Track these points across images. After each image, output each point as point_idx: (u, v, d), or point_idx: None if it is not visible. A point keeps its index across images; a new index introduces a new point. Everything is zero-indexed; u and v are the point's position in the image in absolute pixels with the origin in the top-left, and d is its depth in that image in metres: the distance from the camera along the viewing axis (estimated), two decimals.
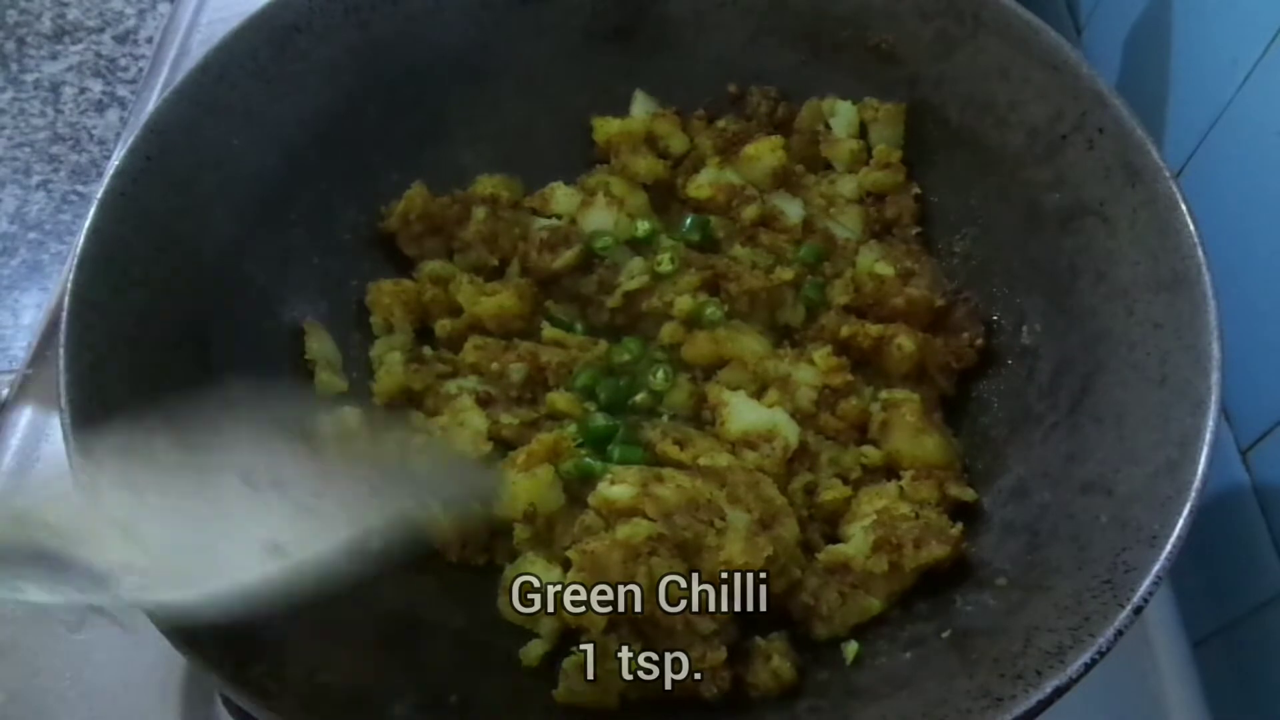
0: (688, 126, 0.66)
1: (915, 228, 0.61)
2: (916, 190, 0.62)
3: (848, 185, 0.63)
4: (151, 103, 0.55)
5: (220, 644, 0.41)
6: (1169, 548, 0.41)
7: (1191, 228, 0.48)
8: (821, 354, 0.56)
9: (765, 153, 0.62)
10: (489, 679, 0.48)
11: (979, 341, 0.57)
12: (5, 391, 0.67)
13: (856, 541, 0.50)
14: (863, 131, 0.63)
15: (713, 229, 0.61)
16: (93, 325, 0.47)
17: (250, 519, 0.40)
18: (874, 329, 0.56)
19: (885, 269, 0.58)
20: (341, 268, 0.61)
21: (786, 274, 0.58)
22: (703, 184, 0.62)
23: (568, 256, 0.59)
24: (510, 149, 0.65)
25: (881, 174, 0.62)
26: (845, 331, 0.56)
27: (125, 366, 0.48)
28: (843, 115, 0.63)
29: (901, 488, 0.52)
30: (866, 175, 0.62)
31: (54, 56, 1.14)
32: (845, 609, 0.49)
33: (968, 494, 0.52)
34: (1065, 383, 0.52)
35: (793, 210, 0.62)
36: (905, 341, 0.56)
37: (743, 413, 0.54)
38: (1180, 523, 0.41)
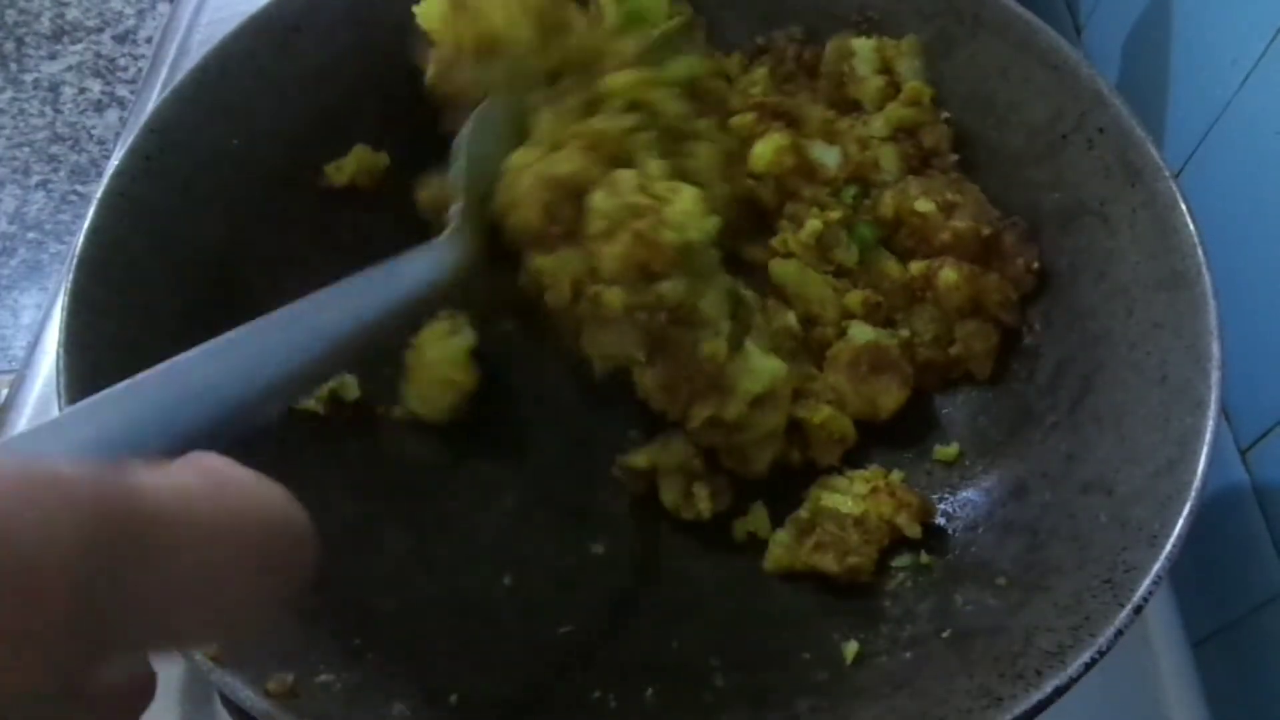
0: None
1: (953, 155, 0.60)
2: (946, 115, 0.60)
3: (878, 124, 0.61)
4: (151, 103, 0.55)
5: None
6: (1169, 547, 0.41)
7: (1191, 227, 0.48)
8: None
9: (769, 152, 0.60)
10: (489, 679, 0.48)
11: (1035, 265, 0.55)
12: (5, 391, 0.67)
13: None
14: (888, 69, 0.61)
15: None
16: (92, 326, 0.47)
17: None
18: (917, 266, 0.56)
19: (925, 205, 0.57)
20: (340, 268, 0.60)
21: (834, 214, 0.57)
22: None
23: None
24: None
25: (908, 110, 0.60)
26: (891, 270, 0.56)
27: (125, 367, 0.48)
28: (862, 53, 0.61)
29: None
30: (894, 111, 0.60)
31: (53, 56, 1.14)
32: None
33: None
34: (1065, 382, 0.52)
35: (830, 159, 0.60)
36: (949, 273, 0.55)
37: None
38: (1180, 522, 0.41)
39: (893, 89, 0.62)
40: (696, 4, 0.64)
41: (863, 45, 0.61)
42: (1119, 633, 0.40)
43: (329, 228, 0.60)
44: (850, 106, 0.63)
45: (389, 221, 0.62)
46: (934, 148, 0.60)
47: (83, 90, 1.12)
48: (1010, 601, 0.46)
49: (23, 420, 0.65)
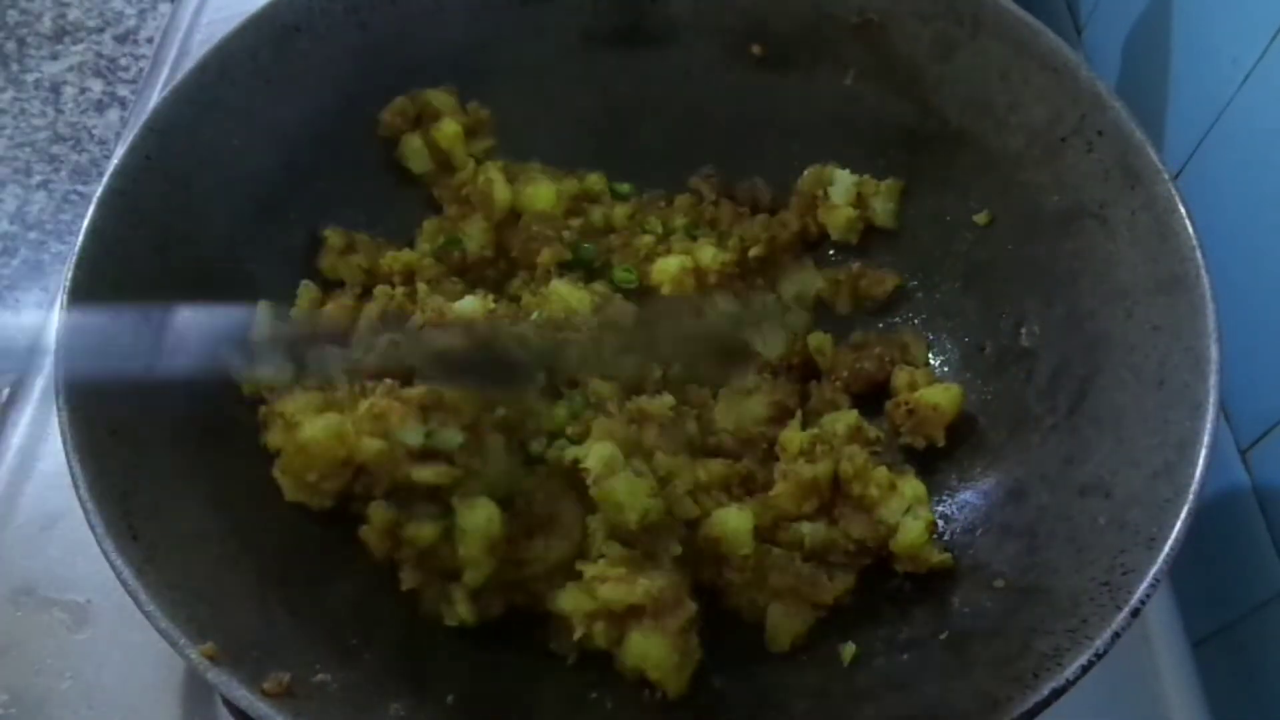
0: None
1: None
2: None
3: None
4: (152, 102, 0.55)
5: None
6: (1166, 550, 0.41)
7: (1190, 230, 0.48)
8: None
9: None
10: (486, 679, 0.48)
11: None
12: (5, 391, 0.67)
13: None
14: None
15: None
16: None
17: None
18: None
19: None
20: None
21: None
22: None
23: None
24: (509, 149, 0.65)
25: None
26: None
27: None
28: (841, 183, 0.63)
29: None
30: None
31: (54, 56, 1.14)
32: None
33: None
34: (1064, 385, 0.52)
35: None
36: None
37: None
38: (1178, 525, 0.41)
39: (862, 224, 0.63)
40: (700, 24, 0.64)
41: (843, 176, 0.63)
42: (1116, 635, 0.40)
43: (328, 227, 0.60)
44: (810, 237, 0.64)
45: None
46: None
47: (84, 90, 1.12)
48: (1008, 604, 0.46)
49: (23, 420, 0.65)
